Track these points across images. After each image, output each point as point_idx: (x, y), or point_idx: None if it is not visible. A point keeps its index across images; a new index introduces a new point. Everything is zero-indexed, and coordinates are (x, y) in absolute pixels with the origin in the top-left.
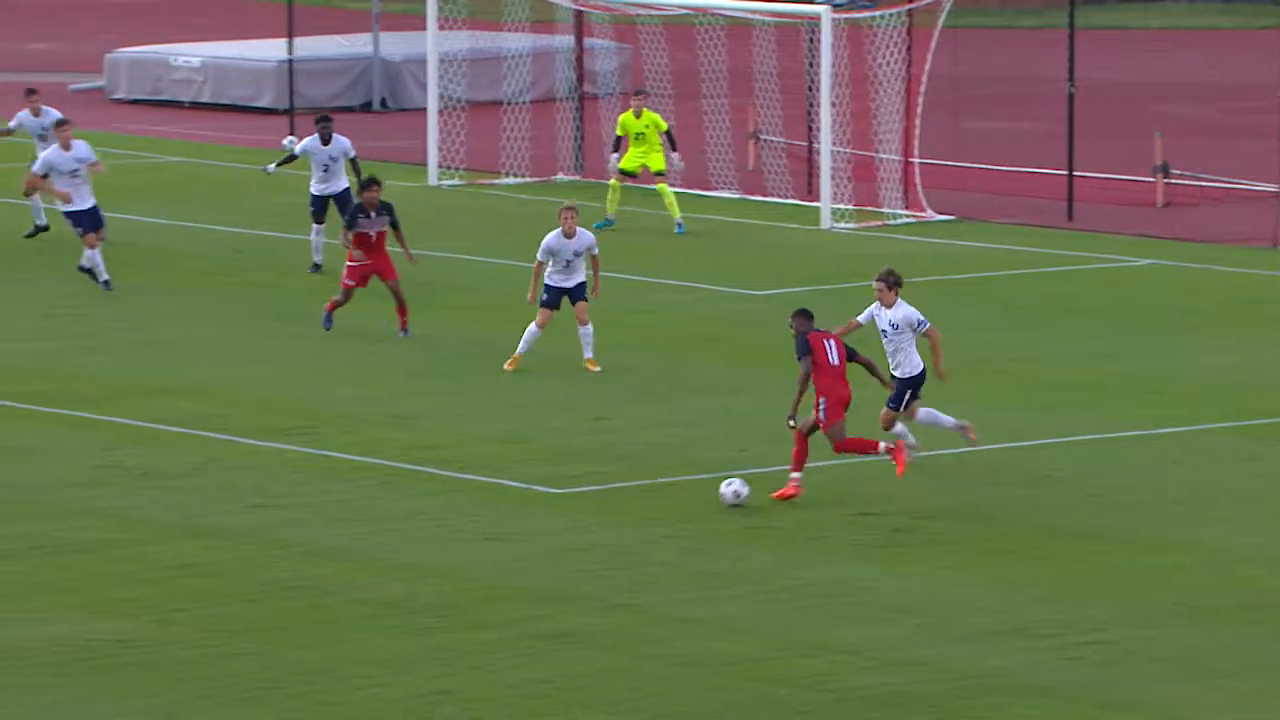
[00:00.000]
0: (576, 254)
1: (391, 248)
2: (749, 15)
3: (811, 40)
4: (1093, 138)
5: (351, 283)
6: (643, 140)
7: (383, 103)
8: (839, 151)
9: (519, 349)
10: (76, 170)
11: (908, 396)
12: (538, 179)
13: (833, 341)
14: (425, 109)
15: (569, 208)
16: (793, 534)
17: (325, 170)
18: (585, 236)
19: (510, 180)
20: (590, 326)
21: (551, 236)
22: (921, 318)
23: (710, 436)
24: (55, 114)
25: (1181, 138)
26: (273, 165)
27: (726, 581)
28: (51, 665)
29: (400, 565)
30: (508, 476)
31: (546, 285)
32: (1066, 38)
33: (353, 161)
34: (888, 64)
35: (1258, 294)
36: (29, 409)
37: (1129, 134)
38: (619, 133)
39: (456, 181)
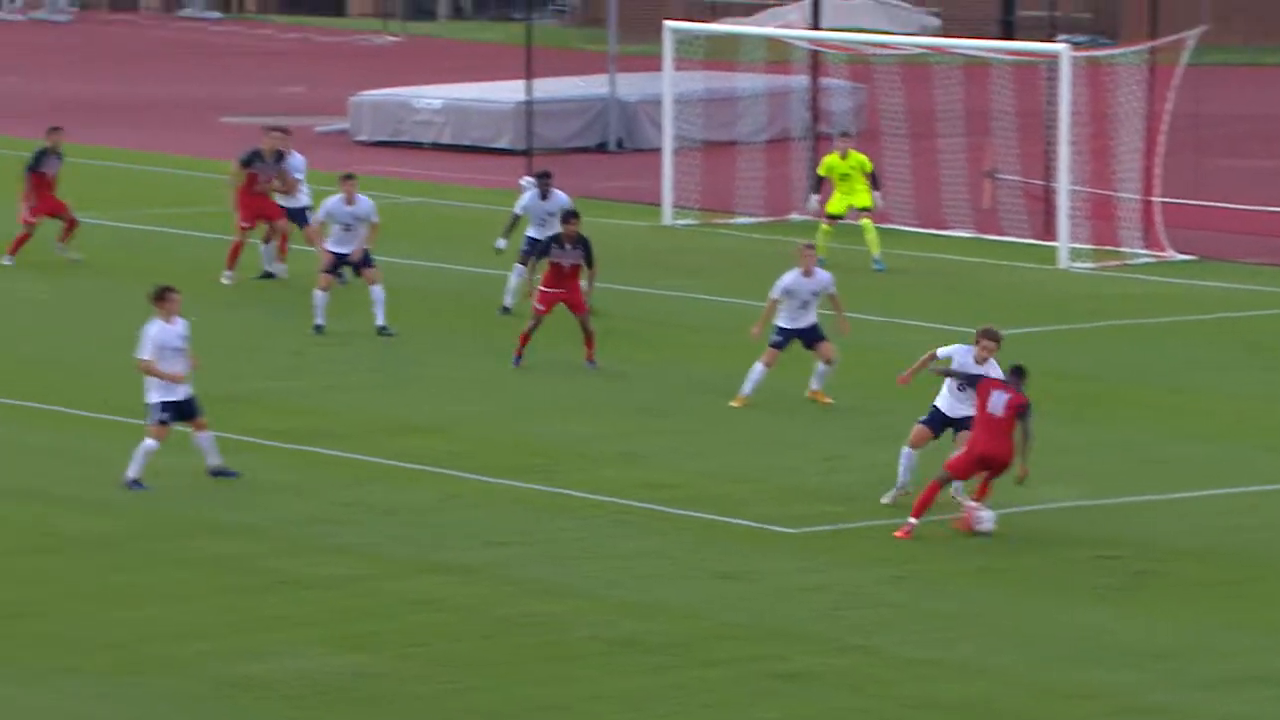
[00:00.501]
0: (814, 294)
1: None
2: (986, 54)
3: (1050, 79)
4: None
5: (541, 308)
6: (848, 181)
7: (619, 143)
8: (1077, 190)
9: (745, 389)
10: (351, 225)
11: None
12: (772, 218)
13: (1006, 394)
14: (660, 149)
15: (809, 246)
16: (1029, 575)
17: (543, 224)
18: (823, 276)
19: (744, 220)
20: (832, 365)
21: (789, 276)
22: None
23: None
24: (299, 159)
25: None
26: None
27: (960, 623)
28: (293, 698)
29: (633, 603)
30: (740, 515)
31: (777, 326)
32: None
33: None
34: (1128, 102)
35: None
36: (280, 446)
37: None
38: (821, 173)
39: (691, 221)
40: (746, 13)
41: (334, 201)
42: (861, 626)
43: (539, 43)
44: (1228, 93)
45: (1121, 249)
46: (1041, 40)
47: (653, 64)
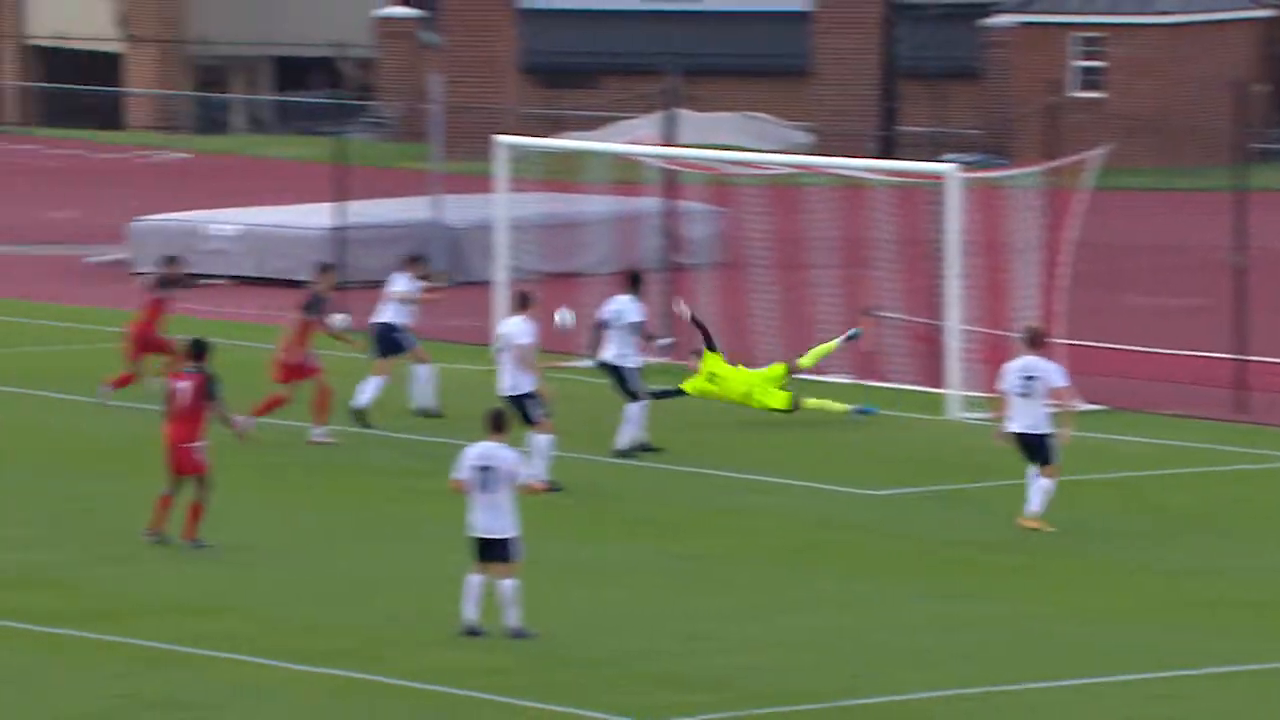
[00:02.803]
0: None
1: None
2: (863, 174)
3: (936, 202)
4: (1269, 315)
5: None
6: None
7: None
8: (968, 329)
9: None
10: None
11: None
12: None
13: (187, 381)
14: (491, 282)
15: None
16: None
17: None
18: None
19: (588, 363)
20: None
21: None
22: None
23: None
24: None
25: None
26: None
27: None
28: None
29: None
30: None
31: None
32: (1231, 200)
33: None
34: (1025, 230)
35: None
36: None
37: None
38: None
39: None
40: (590, 126)
41: None
42: None
43: (351, 159)
44: (1133, 220)
45: None
46: (925, 159)
47: (483, 184)
